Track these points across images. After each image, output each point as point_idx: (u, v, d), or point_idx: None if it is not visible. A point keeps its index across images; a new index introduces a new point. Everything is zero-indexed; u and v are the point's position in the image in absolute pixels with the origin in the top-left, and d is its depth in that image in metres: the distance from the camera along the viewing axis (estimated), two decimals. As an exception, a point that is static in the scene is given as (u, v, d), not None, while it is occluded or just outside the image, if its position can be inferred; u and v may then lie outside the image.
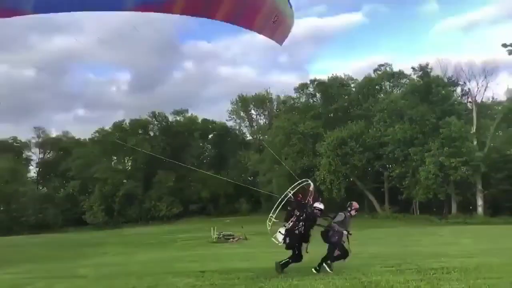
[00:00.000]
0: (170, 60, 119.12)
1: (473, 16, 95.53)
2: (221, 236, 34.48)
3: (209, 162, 76.94)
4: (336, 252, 10.91)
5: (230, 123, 78.34)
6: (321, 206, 11.16)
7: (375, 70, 59.12)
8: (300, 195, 11.37)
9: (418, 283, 8.30)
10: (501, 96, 51.82)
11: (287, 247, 10.98)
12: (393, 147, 48.03)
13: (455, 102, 49.89)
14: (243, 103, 76.76)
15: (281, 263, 10.86)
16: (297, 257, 10.89)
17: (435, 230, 31.08)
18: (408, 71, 54.57)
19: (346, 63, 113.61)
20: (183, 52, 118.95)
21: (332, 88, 58.10)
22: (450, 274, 9.58)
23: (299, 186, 11.67)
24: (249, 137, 79.63)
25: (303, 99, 62.94)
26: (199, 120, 77.93)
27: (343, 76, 61.15)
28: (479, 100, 49.39)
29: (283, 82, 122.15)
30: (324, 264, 10.77)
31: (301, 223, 10.73)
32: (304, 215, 10.82)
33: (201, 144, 78.55)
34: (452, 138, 43.38)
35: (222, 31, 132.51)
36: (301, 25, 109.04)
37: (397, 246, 17.67)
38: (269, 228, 11.10)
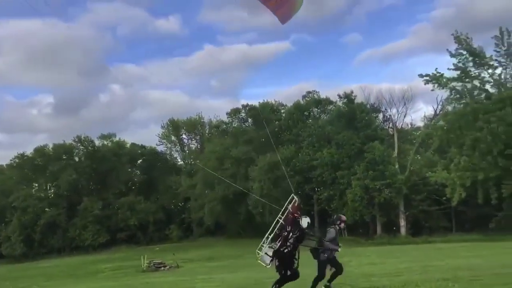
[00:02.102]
0: (96, 82, 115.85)
1: (392, 47, 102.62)
2: (151, 264, 33.39)
3: (138, 187, 74.69)
4: (331, 269, 10.90)
5: (160, 148, 77.04)
6: (308, 220, 10.79)
7: (303, 97, 61.29)
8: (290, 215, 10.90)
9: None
10: (419, 122, 56.01)
11: (277, 270, 10.52)
12: (321, 171, 49.69)
13: (378, 128, 52.88)
14: (174, 127, 75.91)
15: None
16: (291, 276, 10.45)
17: (363, 251, 32.26)
18: (334, 98, 57.12)
19: (276, 89, 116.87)
20: (110, 75, 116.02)
21: (263, 113, 59.27)
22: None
23: (289, 205, 11.21)
24: (180, 162, 78.62)
25: (235, 124, 63.57)
26: (128, 145, 75.74)
27: (274, 102, 62.79)
28: (399, 126, 52.69)
29: (215, 107, 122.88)
30: (323, 286, 10.69)
31: (288, 242, 10.32)
32: (298, 234, 10.37)
33: (129, 169, 76.18)
34: (376, 162, 45.72)
35: (151, 54, 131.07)
36: (232, 51, 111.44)
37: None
38: (258, 256, 10.68)
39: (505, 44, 37.54)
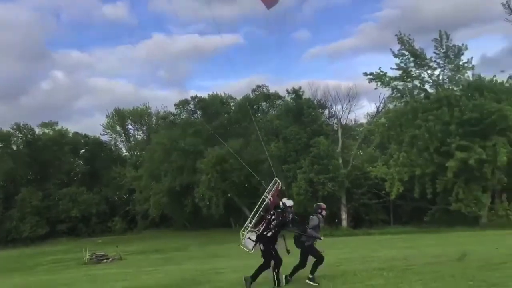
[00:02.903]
0: (37, 68, 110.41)
1: (339, 45, 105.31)
2: (93, 257, 32.62)
3: (80, 178, 72.34)
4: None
5: (104, 138, 74.91)
6: (291, 202, 10.68)
7: (253, 91, 61.69)
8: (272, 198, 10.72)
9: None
10: (362, 119, 58.09)
11: (263, 255, 10.23)
12: (268, 164, 50.33)
13: (324, 123, 54.19)
14: (120, 117, 74.10)
15: (275, 278, 10.10)
16: (275, 261, 10.19)
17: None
18: (282, 93, 57.86)
19: (225, 82, 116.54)
20: (53, 61, 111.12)
21: (213, 106, 59.03)
22: (321, 281, 10.50)
23: (273, 188, 11.08)
24: (125, 153, 76.87)
25: (183, 116, 62.92)
26: (70, 134, 73.02)
27: (223, 95, 62.70)
28: (343, 122, 54.26)
29: (163, 98, 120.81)
30: (308, 281, 10.26)
31: (271, 225, 10.08)
32: (280, 219, 10.09)
33: (71, 159, 73.53)
34: (321, 156, 46.90)
35: (97, 41, 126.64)
36: (181, 41, 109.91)
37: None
38: (242, 238, 10.45)
39: (444, 47, 39.67)
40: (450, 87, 40.41)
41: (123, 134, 75.48)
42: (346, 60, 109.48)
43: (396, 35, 40.75)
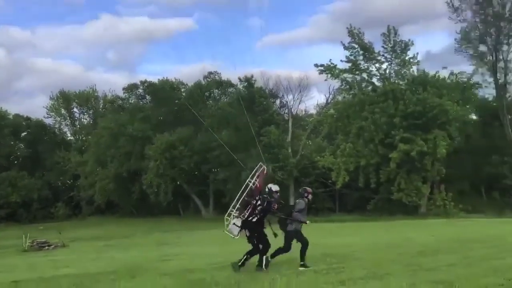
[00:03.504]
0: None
1: (292, 34, 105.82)
2: (34, 243, 31.36)
3: (21, 162, 69.03)
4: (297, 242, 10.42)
5: (48, 121, 71.69)
6: (277, 187, 10.57)
7: (205, 77, 61.07)
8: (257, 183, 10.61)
9: (240, 277, 9.11)
10: (312, 110, 59.12)
11: (249, 241, 10.22)
12: (219, 152, 50.29)
13: (275, 113, 54.72)
14: (65, 100, 71.09)
15: (257, 265, 10.01)
16: (263, 248, 10.12)
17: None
18: (235, 80, 57.72)
19: (177, 67, 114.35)
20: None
21: (163, 91, 57.89)
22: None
23: (257, 173, 11.00)
24: (70, 137, 74.03)
25: (132, 100, 61.34)
26: (11, 116, 69.38)
27: (174, 80, 61.60)
28: (294, 112, 55.03)
29: (111, 81, 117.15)
30: (301, 268, 10.12)
31: (257, 210, 10.00)
32: (265, 205, 9.98)
33: (12, 142, 69.92)
34: (271, 146, 47.41)
35: (41, 18, 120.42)
36: (131, 23, 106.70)
37: (220, 245, 18.70)
38: (227, 223, 10.29)
39: (392, 42, 41.01)
40: (396, 81, 41.90)
41: (68, 118, 72.48)
42: (299, 51, 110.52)
43: (347, 28, 41.70)
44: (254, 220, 10.06)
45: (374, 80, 42.96)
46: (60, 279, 10.87)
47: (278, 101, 57.77)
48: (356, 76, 42.88)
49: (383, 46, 41.26)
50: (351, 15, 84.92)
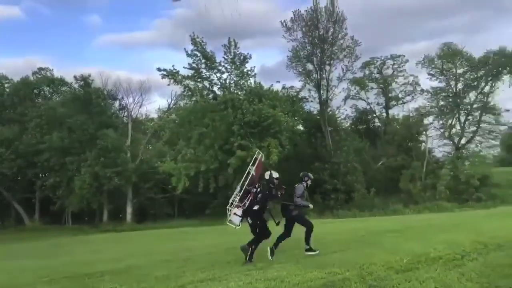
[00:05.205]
0: None
1: (134, 36, 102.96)
2: None
3: None
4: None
5: None
6: (277, 174, 10.48)
7: (34, 73, 55.47)
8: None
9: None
10: (153, 114, 58.30)
11: (252, 227, 10.29)
12: (49, 155, 46.13)
13: (113, 115, 52.47)
14: None
15: (246, 244, 10.24)
16: (264, 234, 10.22)
17: (88, 239, 31.61)
18: (70, 79, 53.75)
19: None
20: None
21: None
22: (103, 277, 10.27)
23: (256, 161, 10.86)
24: None
25: None
26: None
27: (-4, 74, 54.57)
28: (134, 116, 53.58)
29: None
30: (307, 253, 10.27)
31: (257, 198, 9.99)
32: (267, 192, 10.06)
33: None
34: (108, 149, 45.33)
35: None
36: None
37: (49, 257, 17.20)
38: (229, 213, 10.16)
39: (232, 53, 42.92)
40: (236, 91, 43.93)
41: None
42: (141, 53, 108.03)
43: (190, 35, 42.28)
44: (256, 208, 10.14)
45: (215, 88, 44.35)
46: None
47: (117, 103, 55.65)
48: (198, 84, 43.68)
49: (224, 57, 42.90)
50: (194, 22, 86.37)
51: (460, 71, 51.47)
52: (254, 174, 10.83)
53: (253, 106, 40.63)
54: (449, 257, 8.41)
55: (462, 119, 51.51)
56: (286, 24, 47.55)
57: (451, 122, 52.21)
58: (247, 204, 10.30)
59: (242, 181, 10.73)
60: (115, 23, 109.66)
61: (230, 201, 10.61)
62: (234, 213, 10.37)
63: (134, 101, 52.88)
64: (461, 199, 42.01)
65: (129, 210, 47.63)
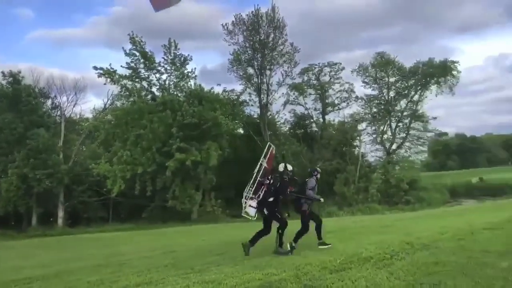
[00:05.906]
0: None
1: (68, 33, 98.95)
2: None
3: None
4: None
5: None
6: (291, 167, 10.63)
7: (-46, 67, 51.62)
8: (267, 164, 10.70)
9: None
10: (88, 114, 56.04)
11: (267, 219, 10.42)
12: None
13: (45, 114, 49.96)
14: None
15: (278, 244, 10.23)
16: (281, 223, 10.32)
17: (15, 244, 29.88)
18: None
19: None
20: None
21: None
22: (32, 284, 9.81)
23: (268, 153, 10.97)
24: None
25: None
26: None
27: None
28: (68, 115, 51.32)
29: None
30: (320, 247, 10.37)
31: (271, 190, 10.13)
32: (279, 184, 10.18)
33: None
34: (39, 150, 43.13)
35: None
36: None
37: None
38: (244, 206, 10.27)
39: (172, 54, 42.49)
40: (175, 93, 43.48)
41: None
42: (75, 51, 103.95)
43: (128, 34, 41.34)
44: (271, 199, 10.29)
45: (154, 89, 43.70)
46: None
47: (49, 102, 53.00)
48: (136, 84, 42.80)
49: (163, 58, 42.41)
50: (131, 21, 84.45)
51: (392, 79, 54.39)
52: (266, 166, 10.98)
53: (193, 108, 40.40)
54: (380, 257, 8.84)
55: (393, 125, 54.38)
56: (227, 28, 47.88)
57: (383, 128, 54.99)
58: (261, 195, 10.47)
59: (256, 172, 10.75)
60: (48, 18, 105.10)
61: (244, 193, 10.70)
62: (250, 205, 10.52)
63: (68, 100, 50.65)
64: (392, 202, 44.25)
65: (60, 214, 45.47)
